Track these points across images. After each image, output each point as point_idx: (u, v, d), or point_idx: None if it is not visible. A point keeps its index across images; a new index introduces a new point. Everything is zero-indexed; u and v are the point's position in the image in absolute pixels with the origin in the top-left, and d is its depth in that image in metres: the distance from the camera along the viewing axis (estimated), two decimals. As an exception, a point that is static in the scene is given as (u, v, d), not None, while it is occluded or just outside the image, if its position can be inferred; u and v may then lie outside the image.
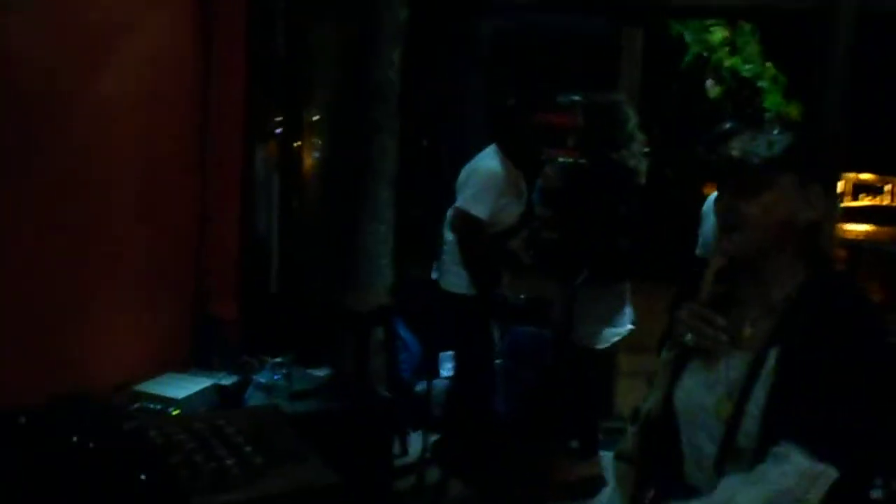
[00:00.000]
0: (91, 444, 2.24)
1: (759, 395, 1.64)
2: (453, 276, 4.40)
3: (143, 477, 2.16)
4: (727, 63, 8.09)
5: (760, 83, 8.13)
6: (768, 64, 8.05)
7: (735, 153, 1.70)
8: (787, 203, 1.69)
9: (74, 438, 2.23)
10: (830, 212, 1.76)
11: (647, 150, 4.32)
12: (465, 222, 4.24)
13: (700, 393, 1.77)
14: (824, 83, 5.17)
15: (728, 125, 1.78)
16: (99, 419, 2.80)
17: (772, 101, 8.00)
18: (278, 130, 4.64)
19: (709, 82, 8.40)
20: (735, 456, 1.66)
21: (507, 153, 4.32)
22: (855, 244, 9.46)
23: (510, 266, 4.47)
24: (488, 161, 4.32)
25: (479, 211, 4.19)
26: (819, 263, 1.75)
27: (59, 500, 2.10)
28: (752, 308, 1.78)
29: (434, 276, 4.57)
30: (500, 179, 4.26)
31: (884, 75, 8.00)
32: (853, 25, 4.98)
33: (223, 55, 4.26)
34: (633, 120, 4.31)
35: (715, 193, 3.79)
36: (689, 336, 1.77)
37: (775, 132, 1.71)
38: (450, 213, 4.39)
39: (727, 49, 8.08)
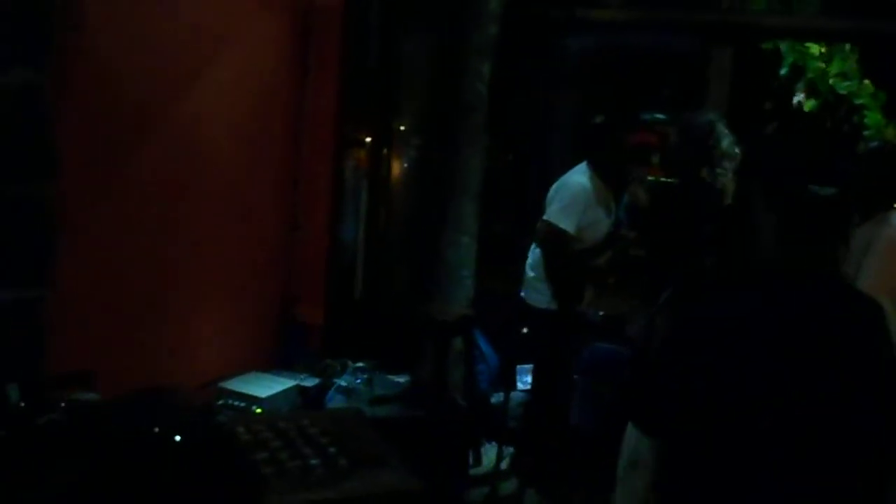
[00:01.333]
0: (177, 438, 2.33)
1: None
2: (536, 292, 4.42)
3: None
4: (828, 80, 7.93)
5: (858, 100, 7.96)
6: (865, 82, 7.87)
7: None
8: None
9: (157, 430, 2.32)
10: None
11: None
12: (551, 235, 4.26)
13: None
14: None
15: None
16: (187, 413, 2.90)
17: (872, 118, 7.82)
18: (368, 140, 4.74)
19: (801, 96, 8.24)
20: None
21: (597, 170, 4.33)
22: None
23: (594, 283, 4.46)
24: (578, 176, 4.34)
25: (566, 224, 4.20)
26: None
27: (142, 492, 2.19)
28: None
29: (521, 291, 4.60)
30: (589, 195, 4.27)
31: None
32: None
33: (317, 67, 4.38)
34: (727, 139, 4.28)
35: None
36: None
37: None
38: (538, 226, 4.41)
39: (823, 63, 7.93)
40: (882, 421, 1.67)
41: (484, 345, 5.20)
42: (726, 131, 4.26)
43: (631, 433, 3.03)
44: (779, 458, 1.61)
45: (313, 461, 2.41)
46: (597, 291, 4.52)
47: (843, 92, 7.84)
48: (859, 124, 7.87)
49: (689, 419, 1.68)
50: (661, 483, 1.80)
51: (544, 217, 4.30)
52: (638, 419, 1.98)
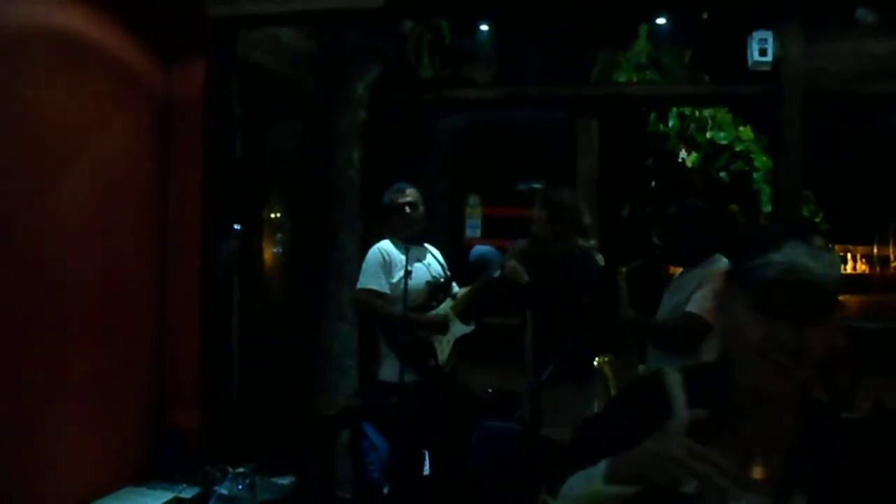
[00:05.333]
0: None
1: None
2: (388, 365, 4.35)
3: None
4: (705, 133, 8.31)
5: (738, 147, 8.35)
6: (742, 128, 8.26)
7: (807, 275, 1.43)
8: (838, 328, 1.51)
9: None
10: None
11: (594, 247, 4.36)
12: (365, 298, 4.27)
13: None
14: (777, 161, 5.32)
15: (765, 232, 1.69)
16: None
17: (759, 160, 8.22)
18: (237, 229, 4.61)
19: (682, 152, 8.60)
20: None
21: (387, 234, 4.41)
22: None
23: (437, 329, 4.37)
24: (376, 245, 4.39)
25: (375, 284, 4.28)
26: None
27: None
28: (755, 441, 1.48)
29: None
30: (387, 254, 4.35)
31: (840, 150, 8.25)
32: (800, 105, 5.10)
33: (181, 162, 4.24)
34: (586, 210, 4.38)
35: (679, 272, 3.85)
36: (691, 484, 1.42)
37: (828, 248, 1.49)
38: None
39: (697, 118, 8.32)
40: None
41: (373, 434, 5.06)
42: (585, 208, 4.38)
43: None
44: None
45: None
46: (459, 359, 4.44)
47: (722, 142, 8.24)
48: (742, 170, 8.29)
49: None
50: None
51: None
52: None
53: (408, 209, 4.35)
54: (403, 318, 4.21)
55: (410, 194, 4.38)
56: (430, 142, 6.41)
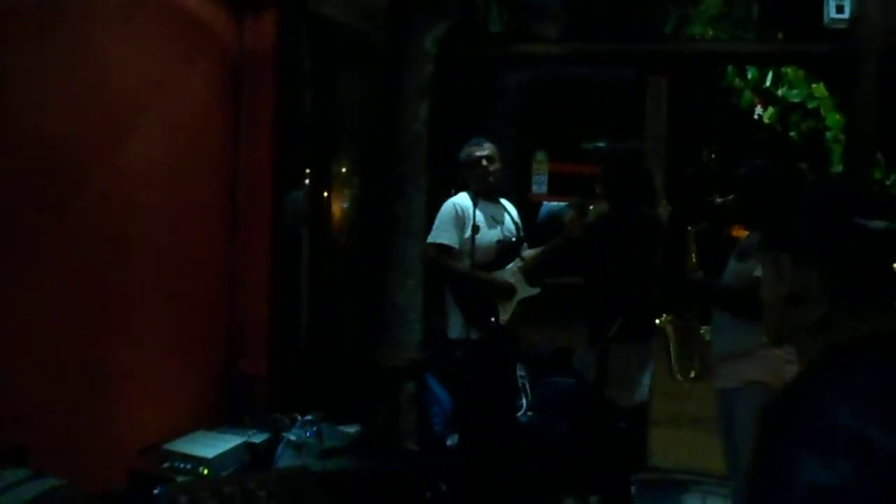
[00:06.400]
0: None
1: None
2: (452, 321, 4.34)
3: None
4: (777, 90, 8.16)
5: (811, 105, 8.19)
6: (815, 85, 8.08)
7: None
8: None
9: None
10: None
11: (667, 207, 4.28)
12: (435, 253, 4.23)
13: None
14: (850, 122, 5.19)
15: None
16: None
17: (832, 119, 8.07)
18: (307, 184, 4.67)
19: (758, 108, 8.45)
20: None
21: (467, 189, 4.33)
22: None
23: (502, 294, 4.33)
24: (453, 199, 4.33)
25: (445, 238, 4.18)
26: None
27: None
28: None
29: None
30: (462, 210, 4.23)
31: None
32: (877, 66, 4.95)
33: (251, 116, 4.30)
34: (655, 175, 4.31)
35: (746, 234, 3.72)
36: None
37: None
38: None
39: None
40: None
41: (436, 387, 5.12)
42: (652, 169, 4.28)
43: None
44: None
45: (258, 529, 2.33)
46: (522, 319, 4.40)
47: (795, 100, 8.07)
48: (813, 128, 8.14)
49: None
50: None
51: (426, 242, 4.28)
52: None
53: (484, 162, 4.30)
54: (470, 276, 4.20)
55: (487, 148, 4.31)
56: (498, 97, 6.38)
